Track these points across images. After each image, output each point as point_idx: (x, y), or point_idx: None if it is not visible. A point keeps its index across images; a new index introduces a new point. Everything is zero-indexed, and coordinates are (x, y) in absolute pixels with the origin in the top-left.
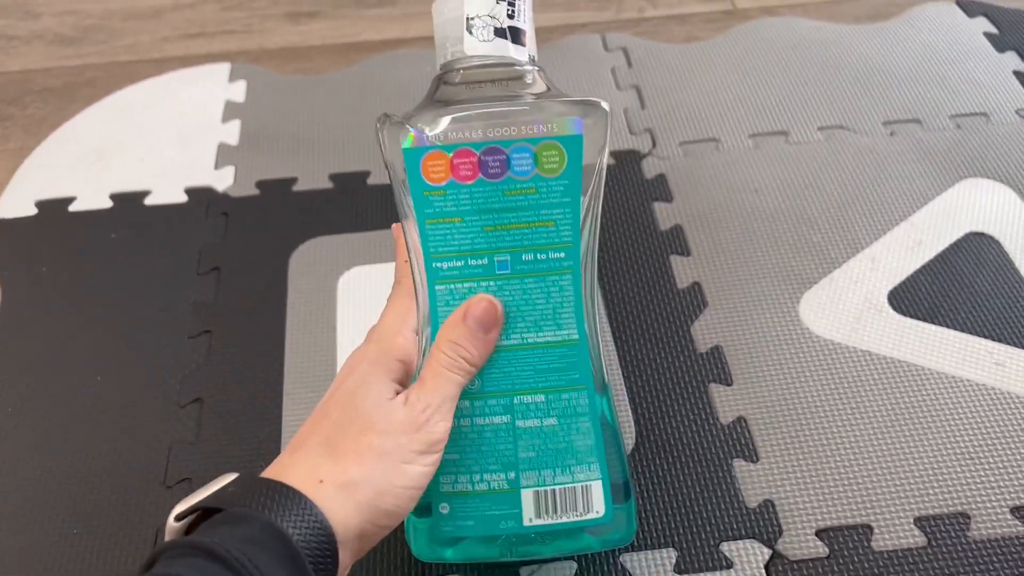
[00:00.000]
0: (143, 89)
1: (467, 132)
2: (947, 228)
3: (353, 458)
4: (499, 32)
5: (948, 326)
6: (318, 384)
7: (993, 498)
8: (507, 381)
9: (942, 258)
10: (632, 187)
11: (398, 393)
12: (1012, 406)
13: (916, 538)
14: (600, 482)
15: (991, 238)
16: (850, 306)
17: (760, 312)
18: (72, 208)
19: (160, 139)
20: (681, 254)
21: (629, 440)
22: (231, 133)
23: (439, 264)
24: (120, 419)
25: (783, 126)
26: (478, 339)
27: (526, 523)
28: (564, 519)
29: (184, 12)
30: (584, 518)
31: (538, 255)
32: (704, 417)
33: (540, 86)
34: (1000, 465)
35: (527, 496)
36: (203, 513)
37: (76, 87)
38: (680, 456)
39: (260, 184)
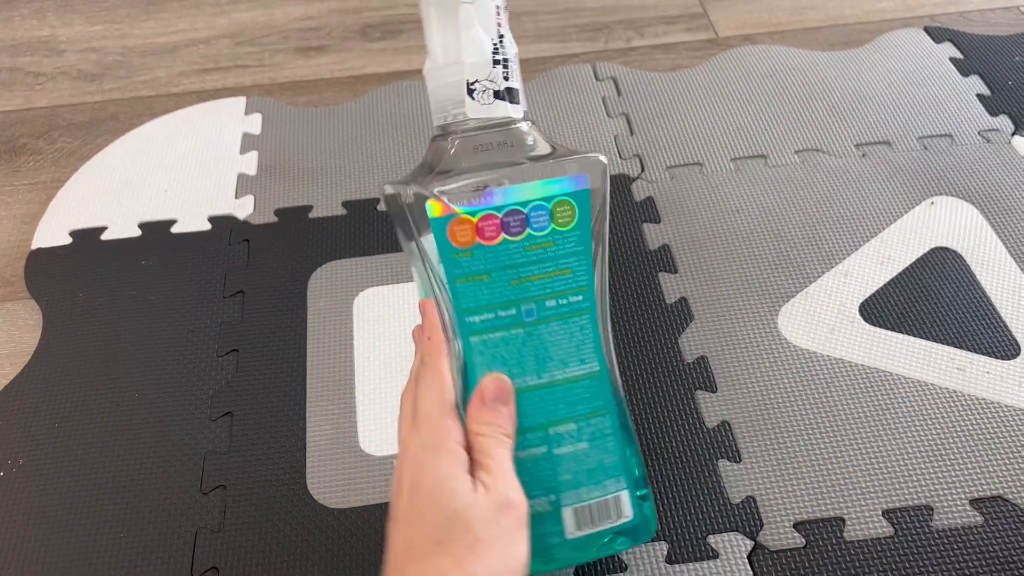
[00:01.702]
0: (165, 123)
1: (488, 198)
2: (914, 243)
3: (469, 555)
4: (498, 94)
5: (914, 334)
6: (338, 397)
7: (954, 491)
8: (542, 416)
9: (909, 271)
10: (623, 209)
11: (472, 479)
12: (972, 407)
13: (884, 529)
14: (627, 491)
15: (954, 252)
16: (825, 318)
17: (742, 324)
18: (104, 237)
19: (183, 170)
20: (669, 271)
21: None
22: (249, 164)
23: (471, 319)
24: (157, 433)
25: (762, 150)
26: (503, 413)
27: (568, 537)
28: (600, 528)
29: (199, 48)
30: (617, 523)
31: (559, 300)
32: (691, 422)
33: (541, 144)
34: (961, 461)
35: (567, 513)
36: None
37: (100, 121)
38: (669, 458)
39: (278, 212)
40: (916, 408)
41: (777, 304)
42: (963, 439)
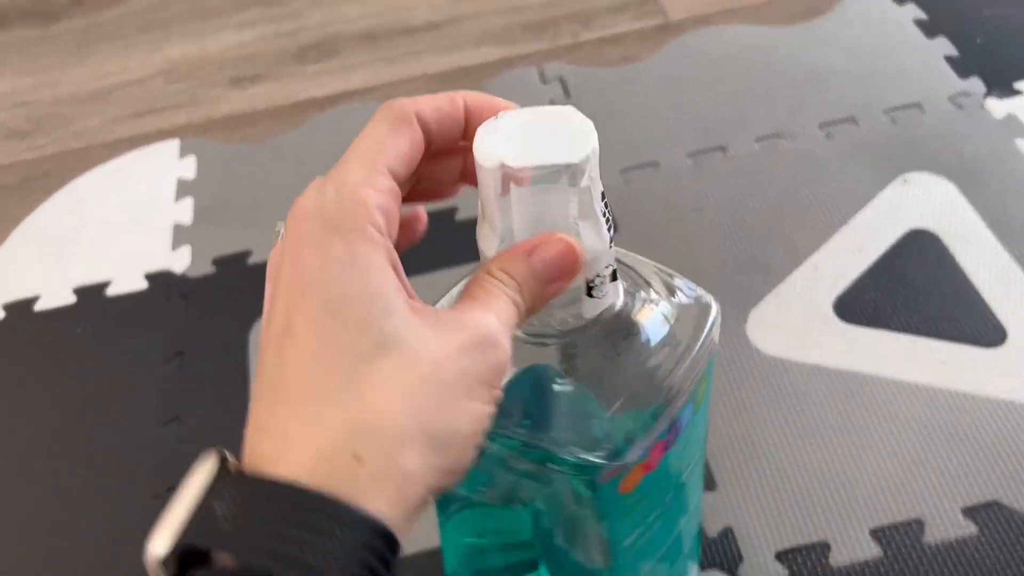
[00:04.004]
0: (95, 177)
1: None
2: (887, 229)
3: (385, 395)
4: (613, 276)
5: (892, 328)
6: None
7: (945, 501)
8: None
9: (884, 260)
10: None
11: (412, 302)
12: (956, 405)
13: (872, 550)
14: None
15: (931, 234)
16: (796, 319)
17: None
18: (37, 307)
19: (116, 226)
20: None
21: None
22: (184, 211)
23: (627, 541)
24: (97, 518)
25: (721, 141)
26: (538, 286)
27: None
28: None
29: (131, 90)
30: None
31: (693, 467)
32: None
33: (656, 321)
34: (949, 467)
35: None
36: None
37: (32, 180)
38: None
39: (216, 261)
40: (898, 412)
41: (745, 309)
42: (950, 441)
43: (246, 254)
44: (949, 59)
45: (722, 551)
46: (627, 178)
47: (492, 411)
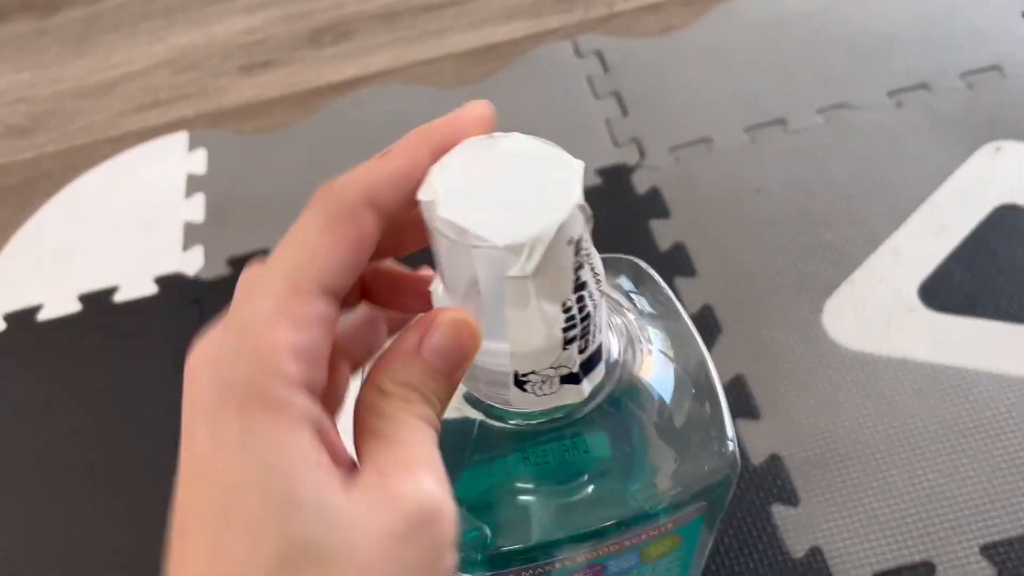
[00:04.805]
0: (99, 175)
1: None
2: (973, 205)
3: None
4: (568, 379)
5: (989, 316)
6: None
7: None
8: None
9: (972, 239)
10: (624, 206)
11: (338, 466)
12: None
13: (984, 570)
14: None
15: (1023, 209)
16: (878, 309)
17: (780, 330)
18: (40, 317)
19: (123, 227)
20: (686, 275)
21: None
22: (196, 209)
23: None
24: (114, 544)
25: (779, 114)
26: (445, 382)
27: None
28: None
29: (136, 82)
30: None
31: None
32: None
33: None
34: None
35: None
36: None
37: (34, 181)
38: None
39: (232, 261)
40: (1005, 411)
41: (820, 299)
42: None
43: (263, 252)
44: None
45: (811, 574)
46: (677, 156)
47: None
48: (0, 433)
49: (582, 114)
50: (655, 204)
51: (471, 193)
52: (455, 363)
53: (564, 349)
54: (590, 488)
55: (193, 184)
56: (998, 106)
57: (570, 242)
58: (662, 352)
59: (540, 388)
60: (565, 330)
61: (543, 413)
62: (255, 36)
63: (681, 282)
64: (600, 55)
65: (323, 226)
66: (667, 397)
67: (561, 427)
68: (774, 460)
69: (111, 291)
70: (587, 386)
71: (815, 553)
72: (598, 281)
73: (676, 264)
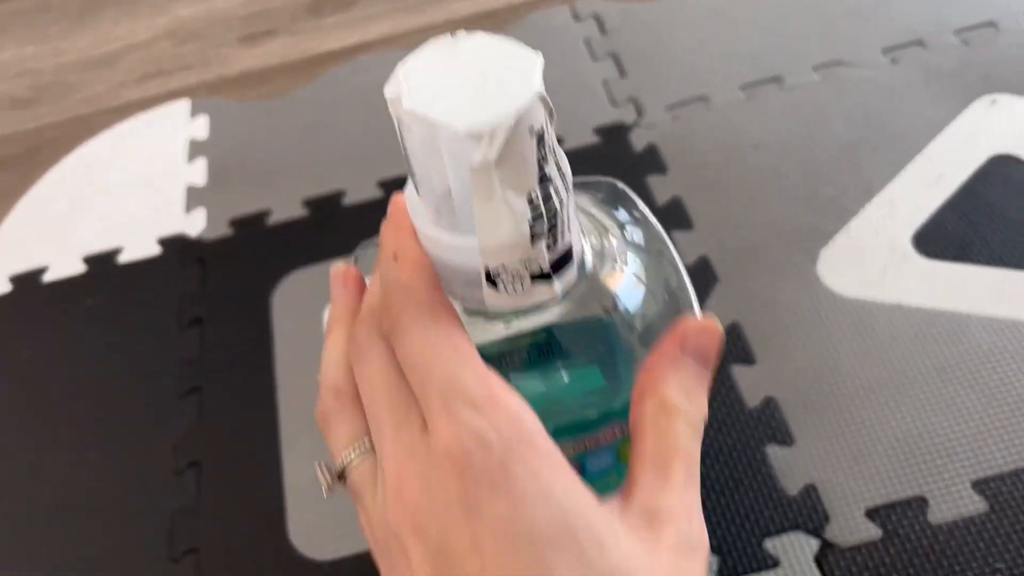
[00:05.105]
0: (102, 142)
1: None
2: (967, 155)
3: None
4: (538, 277)
5: (982, 263)
6: (315, 429)
7: None
8: None
9: (966, 189)
10: (622, 164)
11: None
12: None
13: (977, 504)
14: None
15: (1016, 159)
16: (873, 257)
17: (776, 279)
18: (46, 279)
19: (126, 191)
20: (684, 228)
21: None
22: (198, 173)
23: None
24: (117, 495)
25: (775, 71)
26: (705, 379)
27: None
28: None
29: (138, 53)
30: None
31: None
32: (728, 403)
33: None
34: None
35: None
36: None
37: (37, 150)
38: (707, 450)
39: (233, 222)
40: (997, 351)
41: (815, 249)
42: None
43: (265, 214)
44: None
45: (805, 511)
46: (675, 115)
47: None
48: (7, 392)
49: (580, 75)
50: (653, 161)
51: (435, 87)
52: (710, 358)
53: (532, 244)
54: (565, 381)
55: (195, 149)
56: (993, 61)
57: (532, 132)
58: (636, 275)
59: (512, 286)
60: (532, 222)
61: (517, 313)
62: (257, 6)
63: (678, 235)
64: (598, 18)
65: (444, 335)
66: (637, 307)
67: (536, 327)
68: (769, 403)
69: (115, 252)
70: (558, 285)
71: (809, 490)
72: (563, 179)
73: (673, 217)
